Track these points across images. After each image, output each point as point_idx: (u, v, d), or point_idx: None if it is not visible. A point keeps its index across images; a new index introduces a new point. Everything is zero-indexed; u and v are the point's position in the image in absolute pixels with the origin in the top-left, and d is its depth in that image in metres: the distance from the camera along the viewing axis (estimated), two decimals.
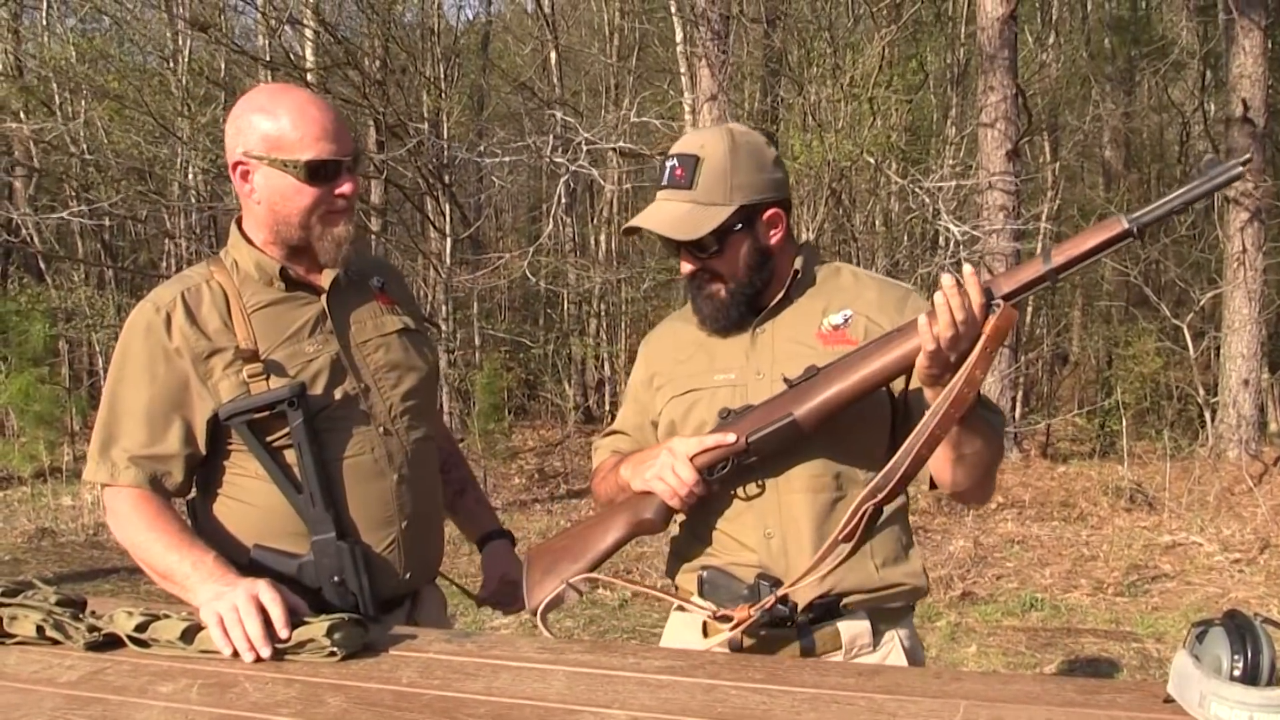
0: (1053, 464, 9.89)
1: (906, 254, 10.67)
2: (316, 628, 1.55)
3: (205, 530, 1.92)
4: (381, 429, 1.93)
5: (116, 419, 1.86)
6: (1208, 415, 9.57)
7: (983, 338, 1.60)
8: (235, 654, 1.55)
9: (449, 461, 2.28)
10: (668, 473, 1.77)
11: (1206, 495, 8.05)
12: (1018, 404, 11.33)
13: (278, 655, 1.55)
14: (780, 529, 1.82)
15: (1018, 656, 4.98)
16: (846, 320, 1.87)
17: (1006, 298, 1.64)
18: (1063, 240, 1.67)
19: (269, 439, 1.86)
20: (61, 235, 13.41)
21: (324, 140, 1.85)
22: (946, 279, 1.60)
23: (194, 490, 1.96)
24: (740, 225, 1.84)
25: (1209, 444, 9.43)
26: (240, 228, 1.96)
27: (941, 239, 10.07)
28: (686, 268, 1.88)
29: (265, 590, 1.60)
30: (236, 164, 1.89)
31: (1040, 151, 14.58)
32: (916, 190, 9.24)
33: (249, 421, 1.84)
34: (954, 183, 9.65)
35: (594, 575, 1.86)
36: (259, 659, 1.54)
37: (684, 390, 1.91)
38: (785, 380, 1.77)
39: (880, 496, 1.66)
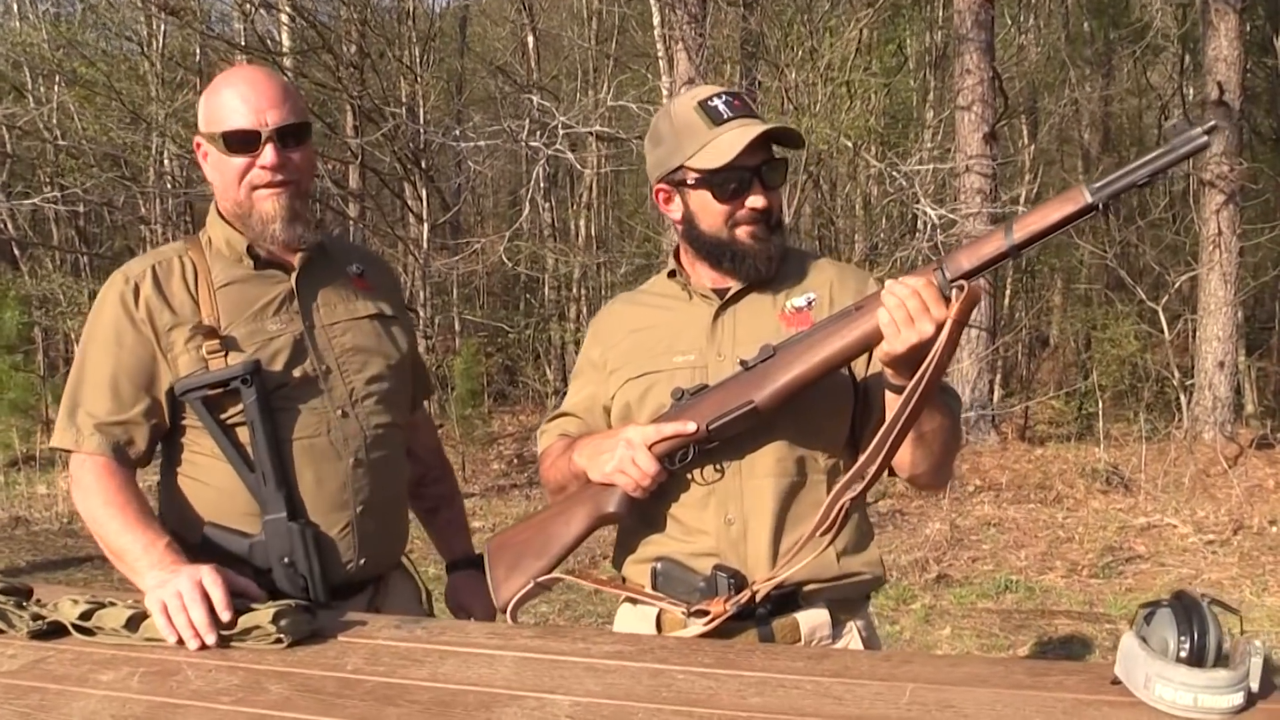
0: (1030, 447, 9.92)
1: (885, 238, 10.66)
2: (263, 614, 1.54)
3: (167, 507, 1.93)
4: (340, 411, 1.91)
5: (83, 385, 1.87)
6: (1183, 398, 9.62)
7: (949, 323, 1.55)
8: (181, 641, 1.53)
9: (430, 475, 2.26)
10: (628, 464, 1.73)
11: (1182, 477, 8.09)
12: (995, 387, 11.36)
13: (223, 642, 1.53)
14: (741, 515, 1.78)
15: (991, 639, 5.00)
16: (810, 303, 1.84)
17: (967, 275, 1.60)
18: (1025, 214, 1.61)
19: (223, 416, 1.85)
20: (36, 222, 13.31)
21: (244, 111, 1.85)
22: (890, 298, 1.58)
23: (160, 466, 1.96)
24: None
25: (1185, 426, 9.47)
26: (218, 207, 1.97)
27: (920, 223, 10.07)
28: (760, 201, 1.77)
29: (208, 575, 1.57)
30: (197, 144, 1.94)
31: (1018, 135, 14.59)
32: (894, 174, 9.23)
33: (204, 398, 1.84)
34: (931, 166, 9.65)
35: (562, 575, 1.84)
36: (204, 646, 1.52)
37: (641, 373, 1.86)
38: (741, 362, 1.73)
39: (859, 488, 1.63)
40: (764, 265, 1.82)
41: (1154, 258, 11.46)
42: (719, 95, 1.79)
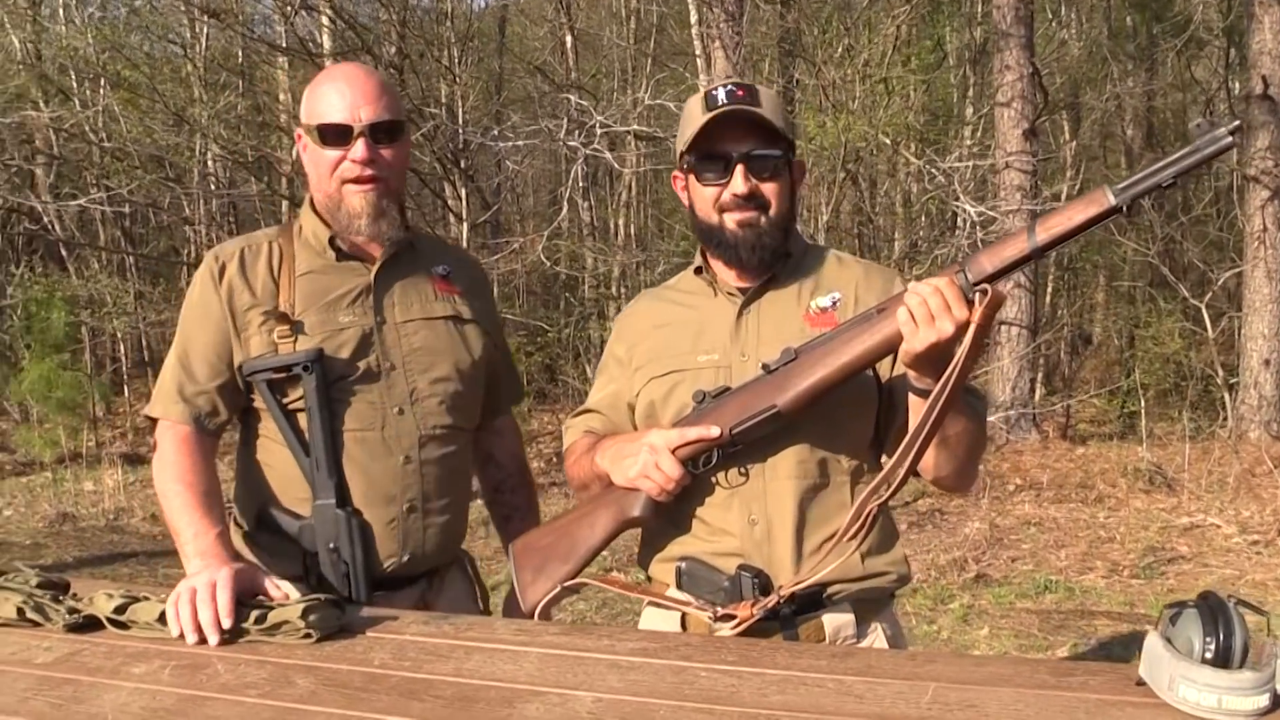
0: (1072, 445, 9.82)
1: (924, 235, 10.59)
2: (292, 610, 1.56)
3: (239, 483, 2.04)
4: (397, 408, 1.96)
5: (172, 358, 1.98)
6: (1227, 396, 9.48)
7: (972, 326, 1.54)
8: (182, 635, 1.55)
9: (509, 483, 2.29)
10: (652, 469, 1.74)
11: (1226, 477, 7.97)
12: (1037, 385, 11.26)
13: (235, 636, 1.55)
14: (765, 515, 1.78)
15: (1029, 639, 4.95)
16: (835, 303, 1.83)
17: (990, 278, 1.58)
18: (1048, 214, 1.59)
19: (285, 400, 1.92)
20: (83, 223, 13.51)
21: (340, 105, 1.91)
22: (911, 296, 1.57)
23: (237, 445, 2.06)
24: (788, 160, 1.83)
25: (1230, 425, 9.34)
26: (311, 198, 2.04)
27: (960, 220, 9.99)
28: (743, 186, 1.78)
29: (224, 578, 1.60)
30: (298, 136, 2.02)
31: (1060, 130, 14.44)
32: (933, 171, 9.17)
33: (269, 380, 1.91)
34: (971, 163, 9.57)
35: (587, 580, 1.85)
36: (201, 641, 1.54)
37: (665, 371, 1.86)
38: (764, 366, 1.73)
39: (886, 494, 1.62)
40: (748, 254, 1.82)
41: (1198, 254, 11.29)
42: (724, 85, 1.80)
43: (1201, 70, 16.00)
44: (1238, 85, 14.03)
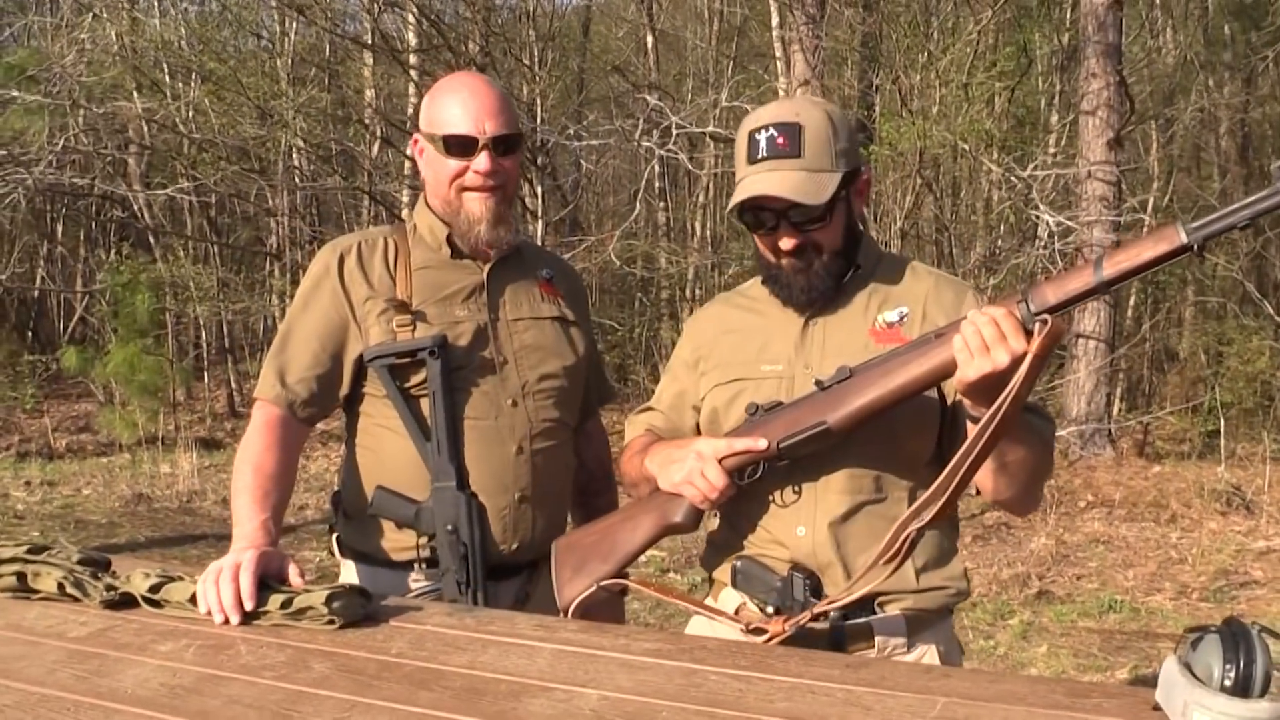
0: (1148, 463, 9.57)
1: (1002, 244, 10.42)
2: (316, 596, 1.59)
3: (346, 475, 2.12)
4: (511, 400, 2.04)
5: (283, 344, 2.06)
6: None
7: (1029, 357, 1.51)
8: (209, 614, 1.60)
9: (594, 486, 2.36)
10: (697, 477, 1.75)
11: None
12: (1115, 400, 11.00)
13: (248, 619, 1.59)
14: (813, 527, 1.78)
15: (1089, 659, 4.86)
16: (902, 318, 1.81)
17: (1052, 310, 1.55)
18: (1117, 249, 1.56)
19: (406, 386, 2.00)
20: (172, 212, 13.87)
21: (464, 118, 1.99)
22: (968, 325, 1.54)
23: (345, 439, 2.15)
24: (844, 193, 1.79)
25: None
26: (426, 198, 2.14)
27: (1041, 229, 9.82)
28: (788, 243, 1.77)
29: (248, 561, 1.65)
30: (415, 139, 2.11)
31: (1150, 140, 14.10)
32: (1014, 179, 9.02)
33: (390, 366, 1.99)
34: (1052, 171, 9.40)
35: (625, 581, 1.86)
36: (226, 621, 1.58)
37: (730, 379, 1.87)
38: (817, 382, 1.72)
39: (925, 518, 1.59)
40: (799, 295, 1.82)
41: None
42: (767, 128, 1.76)
43: None
44: None
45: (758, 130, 1.77)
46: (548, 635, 1.56)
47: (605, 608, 2.13)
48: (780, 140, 1.74)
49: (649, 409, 2.05)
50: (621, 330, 12.36)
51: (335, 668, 1.42)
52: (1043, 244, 8.76)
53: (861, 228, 1.91)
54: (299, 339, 2.04)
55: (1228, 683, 1.20)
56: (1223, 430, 8.94)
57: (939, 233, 11.82)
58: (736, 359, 1.88)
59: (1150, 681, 1.27)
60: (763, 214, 1.77)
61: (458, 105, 2.00)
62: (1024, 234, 10.63)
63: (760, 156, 1.75)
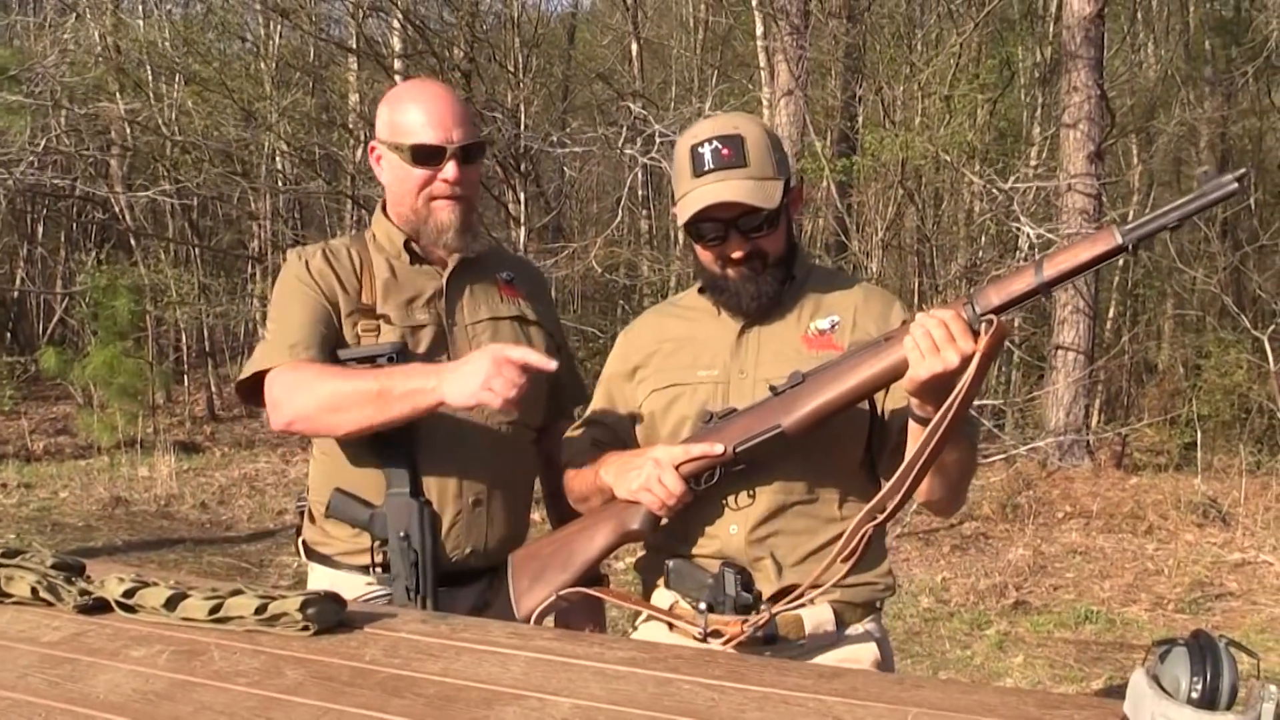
0: (1126, 475, 9.63)
1: (983, 255, 10.47)
2: (290, 602, 1.58)
3: (312, 478, 2.14)
4: None
5: (280, 321, 2.05)
6: None
7: (978, 356, 1.57)
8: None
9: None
10: (655, 484, 1.77)
11: None
12: (1093, 412, 11.06)
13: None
14: (744, 524, 1.83)
15: (1065, 669, 4.88)
16: (833, 326, 1.87)
17: (996, 311, 1.61)
18: (1057, 251, 1.64)
19: None
20: (153, 214, 13.80)
21: (431, 127, 2.01)
22: (918, 327, 1.59)
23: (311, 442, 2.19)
24: (784, 202, 1.84)
25: None
26: (384, 206, 2.15)
27: (1022, 241, 9.87)
28: (738, 252, 1.82)
29: (512, 353, 1.78)
30: (372, 148, 2.12)
31: (1130, 154, 14.20)
32: (995, 191, 9.08)
33: None
34: (1033, 184, 9.46)
35: (585, 590, 1.87)
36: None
37: (667, 384, 1.90)
38: (771, 388, 1.76)
39: (881, 518, 1.65)
40: (749, 302, 1.85)
41: (1263, 285, 11.04)
42: (710, 141, 1.80)
43: None
44: None
45: (700, 144, 1.80)
46: (522, 643, 1.56)
47: (583, 615, 2.14)
48: (725, 151, 1.79)
49: (588, 422, 2.07)
50: (604, 338, 12.34)
51: (309, 674, 1.42)
52: (1024, 256, 8.80)
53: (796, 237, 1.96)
54: (294, 316, 2.03)
55: (1195, 695, 1.21)
56: (1199, 442, 9.00)
57: (920, 243, 11.86)
58: (672, 365, 1.93)
59: (1124, 693, 1.28)
60: (710, 224, 1.81)
61: (422, 114, 2.01)
62: (1005, 246, 10.69)
63: (707, 169, 1.79)
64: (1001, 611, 5.79)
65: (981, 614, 5.72)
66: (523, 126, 10.65)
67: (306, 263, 2.07)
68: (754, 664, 1.53)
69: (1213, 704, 1.20)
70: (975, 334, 1.58)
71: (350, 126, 11.94)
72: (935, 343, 1.57)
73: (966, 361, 1.56)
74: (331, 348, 2.01)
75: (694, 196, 1.79)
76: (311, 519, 2.15)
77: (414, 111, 2.02)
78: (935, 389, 1.59)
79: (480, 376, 1.79)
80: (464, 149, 2.02)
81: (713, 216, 1.79)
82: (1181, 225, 1.56)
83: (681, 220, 1.81)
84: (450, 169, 2.01)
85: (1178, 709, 1.20)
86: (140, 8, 13.32)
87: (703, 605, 1.78)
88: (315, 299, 2.04)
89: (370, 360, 1.98)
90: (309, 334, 2.00)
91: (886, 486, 1.63)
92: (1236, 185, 1.50)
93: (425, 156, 2.01)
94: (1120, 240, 1.55)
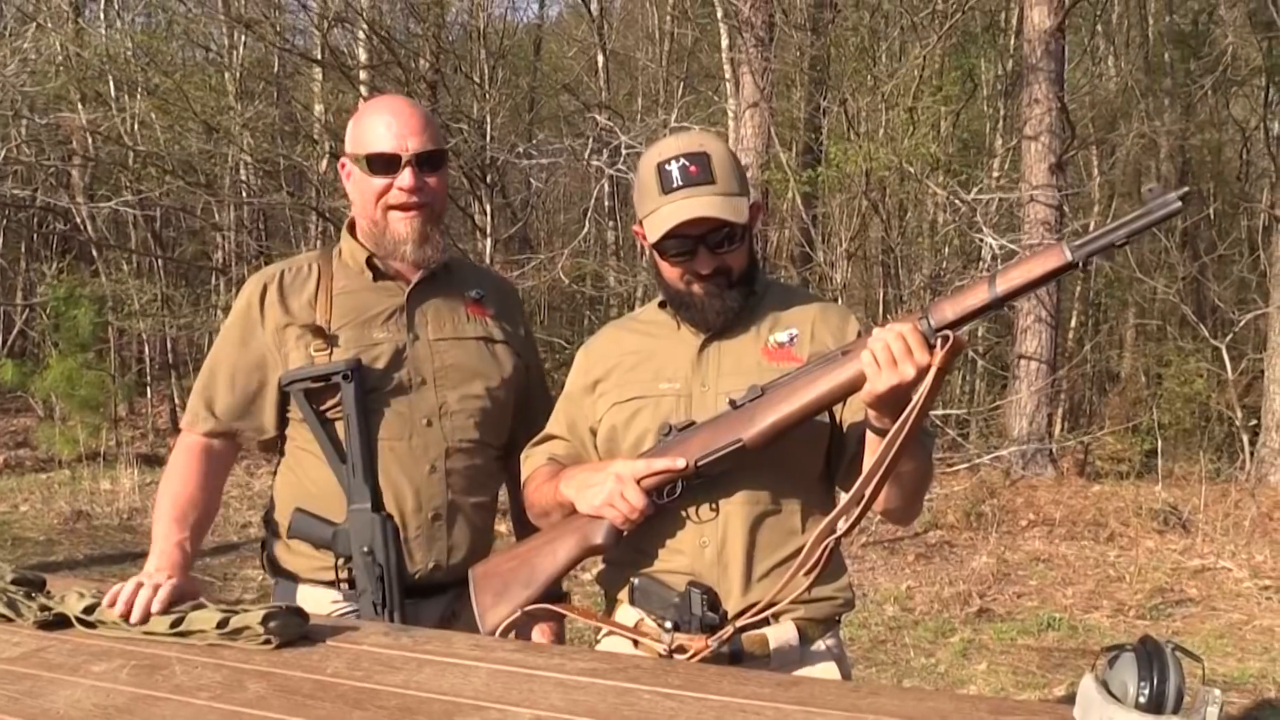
0: (1088, 483, 9.74)
1: (947, 266, 10.58)
2: (253, 615, 1.59)
3: (276, 497, 2.15)
4: (425, 420, 2.05)
5: (209, 377, 2.11)
6: (1246, 439, 9.38)
7: (933, 369, 1.60)
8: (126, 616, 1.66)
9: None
10: (617, 498, 1.78)
11: (1242, 520, 7.88)
12: (1056, 421, 11.19)
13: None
14: (716, 539, 1.83)
15: (1028, 676, 4.93)
16: (792, 339, 1.89)
17: (951, 325, 1.64)
18: (1008, 267, 1.67)
19: (322, 409, 2.03)
20: (116, 225, 13.66)
21: (387, 136, 2.02)
22: (876, 340, 1.62)
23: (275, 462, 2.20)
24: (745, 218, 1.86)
25: (1249, 468, 9.24)
26: (351, 222, 2.16)
27: (985, 251, 9.98)
28: (706, 268, 1.83)
29: (167, 583, 1.72)
30: (342, 164, 2.14)
31: (1091, 165, 14.38)
32: (958, 202, 9.17)
33: (306, 390, 2.02)
34: (996, 195, 9.56)
35: (548, 606, 1.89)
36: (125, 615, 1.65)
37: (628, 397, 1.91)
38: (730, 401, 1.78)
39: (842, 529, 1.68)
40: (714, 318, 1.86)
41: (1221, 295, 11.20)
42: (676, 158, 1.80)
43: (1240, 109, 15.89)
44: (1278, 125, 13.92)
45: (666, 161, 1.81)
46: (484, 655, 1.57)
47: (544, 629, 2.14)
48: (692, 169, 1.80)
49: (548, 438, 2.06)
50: (570, 348, 12.34)
51: (271, 688, 1.42)
52: (986, 266, 8.89)
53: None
54: (224, 372, 2.09)
55: (1142, 700, 1.24)
56: (1160, 450, 9.12)
57: (885, 254, 11.96)
58: (634, 379, 1.93)
59: None
60: (677, 241, 1.81)
61: (381, 125, 2.03)
62: (968, 256, 10.81)
63: (675, 185, 1.80)
64: (965, 619, 5.83)
65: (946, 622, 5.76)
66: (489, 138, 10.65)
67: (264, 288, 2.09)
68: (713, 673, 1.55)
69: (1159, 708, 1.23)
70: (931, 347, 1.61)
71: (315, 138, 11.89)
72: (893, 356, 1.60)
73: (923, 374, 1.59)
74: (248, 402, 2.08)
75: (664, 213, 1.80)
76: (275, 535, 2.16)
77: (374, 123, 2.04)
78: (892, 401, 1.61)
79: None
80: (421, 156, 2.02)
81: (682, 233, 1.79)
82: (1130, 242, 1.60)
83: (653, 238, 1.81)
84: (405, 177, 2.01)
85: (1125, 713, 1.22)
86: (102, 17, 13.20)
87: (669, 624, 1.79)
88: (253, 342, 2.07)
89: (325, 379, 2.00)
90: (229, 391, 2.08)
91: (846, 498, 1.66)
92: (1180, 203, 1.55)
93: (382, 165, 2.02)
94: (1070, 257, 1.59)
